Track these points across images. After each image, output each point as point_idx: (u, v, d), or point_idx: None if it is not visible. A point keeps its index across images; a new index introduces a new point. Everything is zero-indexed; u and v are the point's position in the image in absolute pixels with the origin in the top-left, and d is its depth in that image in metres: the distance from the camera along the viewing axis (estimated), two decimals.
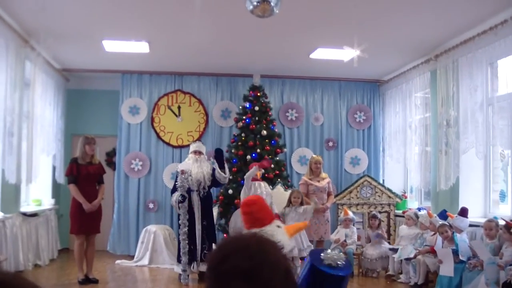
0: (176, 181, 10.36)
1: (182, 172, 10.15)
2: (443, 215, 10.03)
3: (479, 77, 9.76)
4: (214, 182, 10.51)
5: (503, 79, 9.58)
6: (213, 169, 10.55)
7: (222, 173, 10.47)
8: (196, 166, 10.36)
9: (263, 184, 10.84)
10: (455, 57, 10.39)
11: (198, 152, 10.64)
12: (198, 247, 10.21)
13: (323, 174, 11.44)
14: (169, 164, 13.77)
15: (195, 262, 10.23)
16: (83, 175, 9.95)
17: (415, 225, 10.87)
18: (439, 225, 9.50)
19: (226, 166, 10.68)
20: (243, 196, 10.57)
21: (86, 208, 9.75)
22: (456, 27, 9.83)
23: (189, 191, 10.22)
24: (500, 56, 9.33)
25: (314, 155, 11.91)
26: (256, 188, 10.65)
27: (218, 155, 10.68)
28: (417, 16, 9.32)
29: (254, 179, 10.76)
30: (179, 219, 10.32)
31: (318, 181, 11.23)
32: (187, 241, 10.03)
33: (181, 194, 9.99)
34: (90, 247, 10.13)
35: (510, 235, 8.10)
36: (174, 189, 10.41)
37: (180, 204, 9.98)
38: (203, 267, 10.17)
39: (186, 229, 10.00)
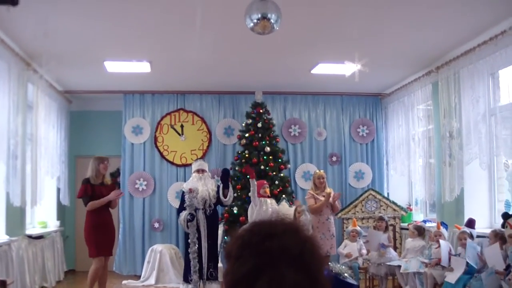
0: (182, 200, 10.33)
1: (190, 190, 10.10)
2: (469, 224, 10.00)
3: (480, 88, 9.76)
4: (219, 200, 10.50)
5: (505, 89, 9.59)
6: (218, 187, 10.54)
7: (223, 197, 10.47)
8: (201, 184, 10.33)
9: (269, 200, 10.82)
10: (456, 69, 10.40)
11: (201, 170, 10.62)
12: (204, 265, 10.18)
13: (328, 189, 11.43)
14: (174, 183, 13.78)
15: (201, 281, 10.20)
16: (99, 196, 9.87)
17: (418, 237, 10.83)
18: (459, 232, 9.49)
19: (230, 187, 10.67)
20: (250, 213, 10.59)
21: (113, 196, 9.86)
22: (456, 38, 9.85)
23: (195, 209, 10.20)
24: (501, 66, 9.34)
25: (317, 170, 11.91)
26: (262, 204, 10.64)
27: (224, 175, 10.68)
28: (417, 28, 9.34)
29: (262, 196, 10.74)
30: (186, 238, 10.29)
31: (324, 196, 11.23)
32: (197, 260, 10.00)
33: (189, 213, 9.96)
34: (105, 270, 10.05)
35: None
36: (180, 209, 10.37)
37: (189, 223, 9.95)
38: (210, 286, 10.16)
39: (195, 247, 9.96)
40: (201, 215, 10.17)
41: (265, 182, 11.03)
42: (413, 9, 8.45)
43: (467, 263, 8.83)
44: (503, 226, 8.34)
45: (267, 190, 10.85)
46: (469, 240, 9.11)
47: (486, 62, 9.54)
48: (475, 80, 9.84)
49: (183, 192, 10.34)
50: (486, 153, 9.62)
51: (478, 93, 9.77)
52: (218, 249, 10.79)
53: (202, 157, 13.52)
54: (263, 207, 10.62)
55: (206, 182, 10.42)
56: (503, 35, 8.75)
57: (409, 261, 10.42)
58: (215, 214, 10.54)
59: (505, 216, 8.34)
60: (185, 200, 10.07)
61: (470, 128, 9.94)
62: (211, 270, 10.19)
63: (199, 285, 10.19)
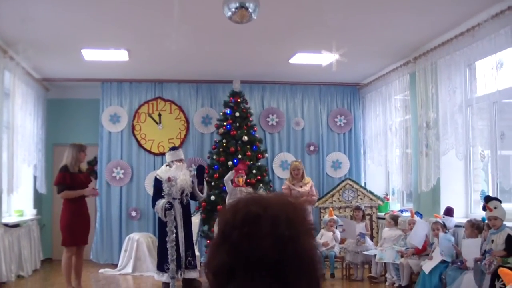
0: (156, 188, 10.31)
1: (169, 179, 10.09)
2: (448, 212, 10.08)
3: (457, 79, 9.84)
4: (193, 192, 10.52)
5: (481, 80, 9.64)
6: (194, 175, 10.57)
7: (199, 192, 10.50)
8: (182, 174, 10.33)
9: (245, 189, 10.81)
10: (434, 59, 10.45)
11: (179, 160, 10.62)
12: (182, 254, 10.18)
13: (306, 179, 11.43)
14: (151, 172, 13.72)
15: (181, 270, 10.20)
16: (77, 183, 9.81)
17: (395, 227, 10.92)
18: (433, 223, 9.57)
19: (205, 184, 10.69)
20: (228, 201, 10.61)
21: (88, 193, 9.80)
22: (434, 29, 9.90)
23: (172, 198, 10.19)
24: (478, 57, 9.39)
25: (293, 161, 11.94)
26: (236, 193, 10.64)
27: (199, 172, 10.70)
28: (395, 19, 9.38)
29: (237, 185, 10.75)
30: (161, 227, 10.27)
31: (301, 186, 11.24)
32: (175, 248, 10.00)
33: (168, 202, 9.95)
34: (79, 259, 9.97)
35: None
36: (155, 197, 10.36)
37: (167, 212, 9.94)
38: (188, 274, 10.20)
39: (173, 236, 9.96)
40: (177, 205, 10.17)
41: (240, 169, 11.01)
42: (391, 0, 8.48)
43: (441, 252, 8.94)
44: (483, 208, 8.40)
45: (241, 179, 10.84)
46: (441, 234, 9.19)
47: (463, 53, 9.60)
48: (452, 71, 9.91)
49: (157, 180, 10.34)
50: (463, 143, 9.70)
51: (455, 84, 9.84)
52: (195, 238, 10.80)
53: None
54: (238, 196, 10.64)
55: (185, 172, 10.43)
56: (479, 26, 8.80)
57: (385, 250, 10.50)
58: (189, 204, 10.56)
59: (487, 198, 8.40)
60: (160, 188, 10.06)
61: (446, 119, 10.01)
62: (189, 258, 10.22)
63: (180, 274, 10.20)
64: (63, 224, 9.69)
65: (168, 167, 10.54)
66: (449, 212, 9.68)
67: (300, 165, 11.45)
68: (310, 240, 1.90)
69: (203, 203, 12.24)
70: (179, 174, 10.25)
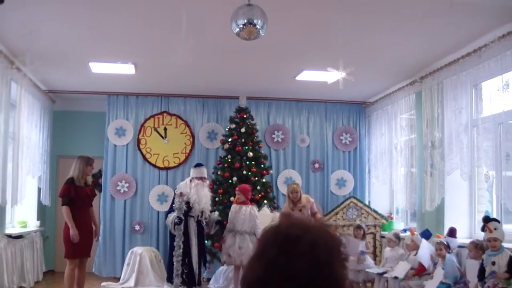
0: (173, 203, 10.32)
1: (181, 194, 10.11)
2: (425, 234, 10.09)
3: (463, 99, 9.83)
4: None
5: (487, 101, 9.64)
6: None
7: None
8: (204, 196, 10.38)
9: (244, 207, 10.77)
10: (440, 79, 10.46)
11: (204, 178, 10.65)
12: (196, 271, 10.21)
13: (303, 201, 11.18)
14: (155, 186, 13.77)
15: (195, 287, 10.24)
16: (82, 197, 9.80)
17: (397, 246, 10.88)
18: (436, 243, 9.54)
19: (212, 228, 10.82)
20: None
21: (72, 234, 9.52)
22: (440, 49, 9.91)
23: (186, 215, 10.19)
24: (484, 78, 9.40)
25: (291, 183, 11.85)
26: (236, 211, 10.68)
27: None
28: (402, 39, 9.39)
29: (239, 203, 10.77)
30: (172, 240, 10.29)
31: (300, 210, 11.12)
32: (180, 263, 10.01)
33: (177, 216, 9.95)
34: (82, 272, 9.97)
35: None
36: (169, 211, 10.39)
37: (176, 226, 9.95)
38: None
39: (180, 251, 9.97)
40: (192, 223, 10.19)
41: (237, 189, 11.07)
42: (398, 20, 8.50)
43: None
44: (482, 229, 8.39)
45: (237, 197, 10.87)
46: (447, 255, 9.16)
47: (469, 73, 9.61)
48: (458, 91, 9.91)
49: (175, 194, 10.35)
50: (468, 163, 9.67)
51: (461, 104, 9.84)
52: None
53: (186, 160, 13.56)
54: (237, 214, 10.68)
55: (206, 192, 10.47)
56: (486, 47, 8.81)
57: (397, 266, 10.42)
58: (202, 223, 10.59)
59: (486, 219, 8.39)
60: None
61: (452, 139, 10.00)
62: (204, 276, 10.25)
63: None
64: (66, 236, 9.66)
65: (190, 182, 10.58)
66: (452, 232, 9.65)
67: (298, 187, 11.31)
68: (342, 269, 1.97)
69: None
70: (201, 195, 10.30)
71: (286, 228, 1.99)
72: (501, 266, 7.91)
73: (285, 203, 11.62)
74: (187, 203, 10.23)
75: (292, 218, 2.06)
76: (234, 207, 10.82)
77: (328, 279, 1.89)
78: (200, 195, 10.35)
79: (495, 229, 8.14)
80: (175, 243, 10.00)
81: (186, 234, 10.21)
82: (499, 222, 8.35)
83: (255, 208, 10.89)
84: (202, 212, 10.33)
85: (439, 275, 8.96)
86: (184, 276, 10.07)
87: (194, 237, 10.28)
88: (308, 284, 1.85)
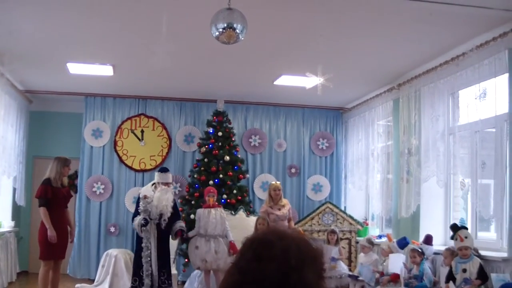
0: (137, 206, 10.30)
1: (145, 197, 10.12)
2: (401, 242, 10.13)
3: (440, 107, 9.90)
4: (174, 212, 10.48)
5: (464, 109, 9.70)
6: (174, 201, 10.56)
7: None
8: (165, 199, 10.33)
9: (214, 210, 10.74)
10: (418, 87, 10.52)
11: (169, 184, 10.62)
12: (155, 273, 10.16)
13: (284, 201, 11.33)
14: (131, 188, 13.72)
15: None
16: (59, 198, 9.74)
17: (371, 251, 10.91)
18: (410, 250, 9.58)
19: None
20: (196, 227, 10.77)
21: (50, 235, 9.46)
22: (418, 57, 9.97)
23: (149, 217, 10.18)
24: (461, 86, 9.46)
25: (273, 182, 11.90)
26: (205, 216, 10.65)
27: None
28: (381, 46, 9.45)
29: (207, 206, 10.73)
30: (138, 242, 10.26)
31: (279, 209, 11.16)
32: (149, 264, 10.00)
33: (144, 218, 9.95)
34: (56, 273, 9.89)
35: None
36: (135, 214, 10.35)
37: (143, 228, 9.94)
38: None
39: (148, 252, 9.96)
40: (152, 226, 10.15)
41: (211, 190, 11.03)
42: (377, 27, 8.54)
43: (417, 277, 8.96)
44: (452, 237, 8.46)
45: (211, 199, 10.78)
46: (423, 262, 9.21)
47: (446, 81, 9.68)
48: (436, 99, 9.97)
49: (139, 197, 10.31)
50: (444, 171, 9.74)
51: (438, 112, 9.90)
52: (172, 257, 10.78)
53: (161, 164, 13.56)
54: (208, 218, 10.64)
55: (168, 196, 10.42)
56: (464, 56, 8.89)
57: (363, 267, 10.49)
58: (168, 226, 10.50)
59: (454, 228, 8.46)
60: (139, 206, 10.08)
61: (428, 146, 10.06)
62: (161, 277, 10.18)
63: None
64: (41, 237, 9.59)
65: (153, 186, 10.53)
66: (428, 240, 9.69)
67: (280, 185, 11.42)
68: (317, 278, 2.02)
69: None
70: (161, 198, 10.25)
71: (262, 234, 2.07)
72: (472, 273, 7.99)
73: (263, 204, 11.64)
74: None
75: (270, 226, 2.14)
76: (202, 211, 10.70)
77: (299, 283, 1.92)
78: (161, 198, 10.33)
79: (466, 237, 8.22)
80: (142, 244, 9.99)
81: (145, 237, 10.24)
82: (466, 229, 8.43)
83: (222, 210, 10.85)
84: (161, 215, 10.29)
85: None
86: (143, 278, 10.08)
87: (153, 240, 10.25)
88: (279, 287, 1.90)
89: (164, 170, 10.87)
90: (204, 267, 10.57)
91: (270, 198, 11.14)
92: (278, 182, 11.63)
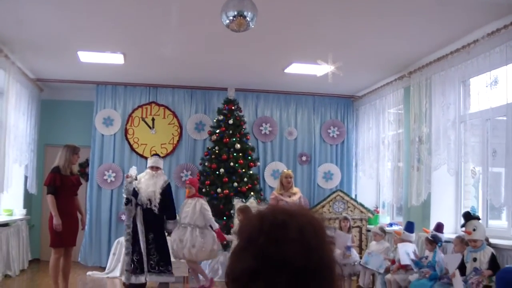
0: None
1: (127, 176, 10.25)
2: (409, 227, 10.12)
3: (451, 95, 9.87)
4: (164, 199, 10.52)
5: (475, 97, 9.68)
6: (168, 184, 10.61)
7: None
8: (152, 184, 10.37)
9: (191, 200, 10.74)
10: (428, 75, 10.49)
11: (155, 168, 10.64)
12: (145, 258, 10.22)
13: (295, 189, 11.37)
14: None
15: (144, 274, 10.27)
16: (68, 186, 9.75)
17: (383, 239, 10.91)
18: (425, 238, 9.55)
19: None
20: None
21: (55, 223, 9.48)
22: (429, 45, 9.94)
23: (137, 204, 10.28)
24: (472, 74, 9.43)
25: (285, 170, 11.92)
26: (184, 205, 10.73)
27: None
28: (391, 34, 9.42)
29: (189, 196, 10.78)
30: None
31: (289, 196, 11.18)
32: (130, 243, 10.14)
33: (126, 197, 10.05)
34: (67, 261, 9.89)
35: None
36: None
37: (125, 207, 10.06)
38: (152, 278, 10.32)
39: (130, 230, 10.11)
40: (139, 210, 10.22)
41: (186, 182, 11.13)
42: (388, 15, 8.52)
43: (430, 265, 8.92)
44: (462, 226, 8.44)
45: (187, 190, 10.92)
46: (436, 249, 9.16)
47: (457, 69, 9.64)
48: (446, 87, 9.94)
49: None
50: (454, 159, 9.71)
51: (449, 100, 9.87)
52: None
53: (172, 151, 13.59)
54: (183, 207, 10.71)
55: (157, 180, 10.45)
56: (475, 44, 8.85)
57: (372, 255, 10.49)
58: (159, 212, 10.51)
59: (467, 216, 8.43)
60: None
61: (439, 134, 10.03)
62: (151, 262, 10.24)
63: (144, 278, 10.25)
64: (51, 225, 9.63)
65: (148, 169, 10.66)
66: (439, 228, 9.64)
67: (292, 173, 11.45)
68: (331, 253, 1.94)
69: None
70: (148, 183, 10.32)
71: (271, 215, 1.93)
72: (483, 263, 7.96)
73: (273, 191, 11.68)
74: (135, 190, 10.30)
75: (272, 206, 2.01)
76: (184, 201, 10.88)
77: (319, 263, 1.85)
78: (148, 183, 10.37)
79: (474, 229, 8.18)
80: (125, 227, 10.18)
81: (134, 221, 10.33)
82: (479, 219, 8.40)
83: (202, 201, 10.83)
84: (150, 201, 10.33)
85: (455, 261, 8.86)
86: (134, 264, 10.18)
87: (141, 225, 10.31)
88: (301, 270, 1.81)
89: (153, 154, 10.98)
90: (175, 254, 10.60)
91: (281, 186, 11.19)
92: (290, 170, 11.66)
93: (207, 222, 10.53)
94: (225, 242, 10.96)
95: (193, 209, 10.54)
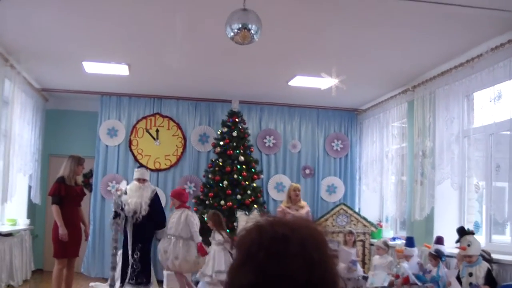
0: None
1: (117, 190, 10.30)
2: (409, 242, 10.07)
3: (455, 109, 9.86)
4: (153, 209, 10.56)
5: (479, 111, 9.67)
6: (155, 194, 10.65)
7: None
8: (137, 196, 10.40)
9: (176, 211, 10.79)
10: (432, 89, 10.49)
11: (142, 180, 10.66)
12: (128, 269, 10.28)
13: (302, 203, 11.44)
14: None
15: (123, 283, 10.33)
16: (73, 196, 9.80)
17: (386, 253, 10.89)
18: (428, 253, 9.51)
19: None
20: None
21: (61, 233, 9.51)
22: (433, 59, 9.95)
23: (125, 216, 10.34)
24: (476, 88, 9.43)
25: (292, 183, 11.95)
26: (171, 216, 10.76)
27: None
28: (396, 48, 9.43)
29: (180, 206, 10.79)
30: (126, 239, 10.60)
31: (297, 210, 11.21)
32: (115, 257, 10.16)
33: (114, 211, 10.08)
34: (70, 271, 9.96)
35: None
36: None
37: (112, 220, 10.08)
38: None
39: (116, 244, 10.12)
40: (128, 222, 10.29)
41: (170, 195, 11.16)
42: (392, 29, 8.53)
43: (434, 279, 8.88)
44: (457, 241, 8.41)
45: (172, 202, 11.04)
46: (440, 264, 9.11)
47: (461, 84, 9.64)
48: (450, 101, 9.94)
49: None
50: (458, 173, 9.69)
51: (453, 114, 9.86)
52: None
53: (176, 163, 13.65)
54: (169, 218, 10.84)
55: (143, 192, 10.48)
56: (479, 58, 8.85)
57: (375, 275, 10.46)
58: (149, 222, 10.54)
59: (461, 232, 8.41)
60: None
61: (443, 148, 10.02)
62: (133, 274, 10.29)
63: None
64: (55, 235, 9.65)
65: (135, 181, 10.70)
66: (439, 241, 9.55)
67: (300, 187, 11.50)
68: (334, 266, 1.89)
69: None
70: (133, 195, 10.34)
71: (270, 227, 1.87)
72: (479, 278, 7.93)
73: (280, 204, 11.70)
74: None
75: (271, 217, 1.94)
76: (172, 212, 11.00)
77: (323, 278, 1.80)
78: (133, 195, 10.41)
79: (469, 245, 8.15)
80: (112, 241, 10.22)
81: (125, 232, 10.49)
82: (473, 233, 8.37)
83: (188, 212, 10.86)
84: (135, 212, 10.36)
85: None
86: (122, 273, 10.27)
87: (130, 237, 10.36)
88: (304, 286, 1.76)
89: (140, 166, 11.03)
90: (162, 265, 10.65)
91: (289, 199, 11.24)
92: (297, 184, 11.71)
93: (192, 234, 10.54)
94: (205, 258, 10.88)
95: (178, 220, 10.57)
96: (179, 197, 10.90)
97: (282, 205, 11.45)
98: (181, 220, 10.52)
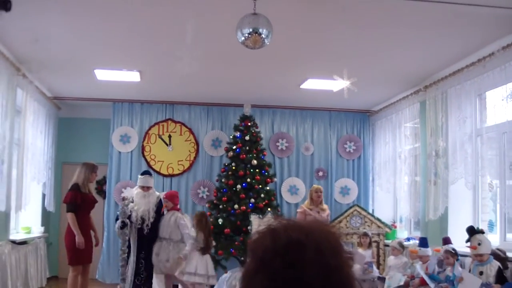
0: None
1: (123, 199, 10.26)
2: (423, 242, 10.02)
3: (467, 108, 9.83)
4: (159, 216, 10.55)
5: (491, 110, 9.65)
6: (160, 201, 10.62)
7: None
8: (144, 203, 10.38)
9: (167, 214, 10.76)
10: (444, 89, 10.47)
11: (146, 188, 10.61)
12: (131, 278, 10.26)
13: (324, 206, 11.46)
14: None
15: None
16: (88, 203, 9.85)
17: (401, 254, 10.86)
18: (444, 251, 9.46)
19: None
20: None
21: (79, 241, 9.54)
22: (445, 59, 9.93)
23: (130, 221, 10.28)
24: (488, 87, 9.40)
25: (314, 185, 11.98)
26: (166, 217, 10.71)
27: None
28: (406, 48, 9.42)
29: (172, 209, 10.76)
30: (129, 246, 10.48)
31: (318, 212, 11.22)
32: (125, 268, 10.13)
33: (121, 221, 10.04)
34: (85, 278, 10.00)
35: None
36: (117, 217, 10.44)
37: (120, 231, 10.05)
38: None
39: (125, 255, 10.10)
40: (133, 230, 10.25)
41: (163, 197, 11.03)
42: (403, 30, 8.52)
43: (449, 279, 8.85)
44: (467, 241, 8.37)
45: (165, 204, 10.82)
46: (456, 263, 9.06)
47: (473, 83, 9.61)
48: (462, 100, 9.91)
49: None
50: (472, 173, 9.66)
51: (465, 113, 9.84)
52: None
53: (189, 168, 13.66)
54: (162, 221, 10.70)
55: (149, 199, 10.47)
56: (491, 57, 8.82)
57: (391, 277, 10.44)
58: (153, 231, 10.51)
59: (471, 231, 8.37)
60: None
61: (456, 148, 10.00)
62: (136, 282, 10.26)
63: None
64: (68, 243, 9.69)
65: (139, 189, 10.64)
66: (447, 241, 9.46)
67: (322, 188, 11.52)
68: (350, 270, 1.86)
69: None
70: (140, 203, 10.33)
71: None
72: (490, 276, 7.89)
73: (304, 202, 11.71)
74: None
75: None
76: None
77: (339, 283, 1.77)
78: (140, 202, 10.38)
79: (479, 244, 8.12)
80: (120, 248, 10.19)
81: (129, 240, 10.41)
82: (483, 232, 8.35)
83: (178, 214, 10.78)
84: (143, 220, 10.34)
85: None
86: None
87: (134, 245, 10.34)
88: None
89: (143, 173, 10.95)
90: (155, 270, 10.60)
91: (311, 200, 11.25)
92: (320, 186, 11.74)
93: (184, 236, 10.49)
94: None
95: (167, 222, 10.54)
96: (173, 199, 10.86)
97: (303, 206, 11.47)
98: (171, 223, 10.50)
